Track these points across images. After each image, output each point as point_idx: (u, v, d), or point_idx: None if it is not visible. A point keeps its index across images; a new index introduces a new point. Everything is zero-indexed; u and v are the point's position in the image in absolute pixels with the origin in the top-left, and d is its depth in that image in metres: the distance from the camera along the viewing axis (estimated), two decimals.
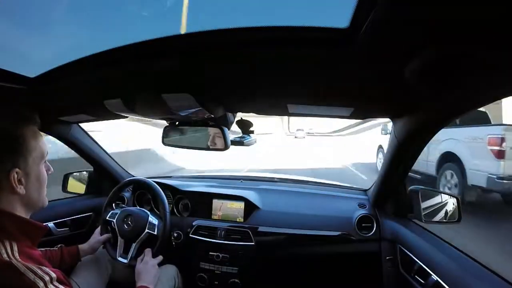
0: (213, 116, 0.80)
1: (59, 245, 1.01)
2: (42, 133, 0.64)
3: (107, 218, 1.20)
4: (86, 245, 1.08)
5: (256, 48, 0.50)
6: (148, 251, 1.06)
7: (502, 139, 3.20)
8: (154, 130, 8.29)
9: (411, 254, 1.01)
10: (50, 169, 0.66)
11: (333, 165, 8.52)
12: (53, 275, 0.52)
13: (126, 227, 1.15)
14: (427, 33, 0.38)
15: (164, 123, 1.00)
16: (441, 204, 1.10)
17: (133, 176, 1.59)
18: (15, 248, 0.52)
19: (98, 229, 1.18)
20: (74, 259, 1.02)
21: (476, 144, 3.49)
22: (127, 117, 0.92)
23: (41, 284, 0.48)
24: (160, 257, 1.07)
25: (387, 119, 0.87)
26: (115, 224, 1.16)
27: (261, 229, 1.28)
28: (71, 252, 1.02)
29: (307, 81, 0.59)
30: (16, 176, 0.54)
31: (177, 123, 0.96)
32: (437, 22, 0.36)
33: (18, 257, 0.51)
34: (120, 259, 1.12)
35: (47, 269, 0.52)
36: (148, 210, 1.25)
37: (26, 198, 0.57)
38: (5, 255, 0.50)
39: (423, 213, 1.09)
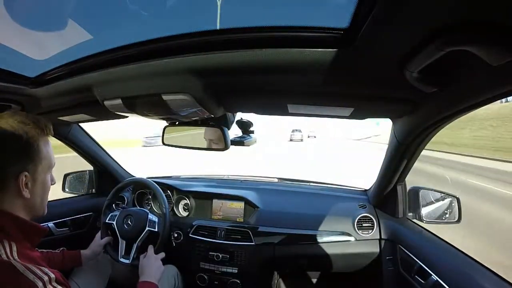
0: (213, 116, 0.80)
1: (61, 248, 1.01)
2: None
3: (106, 220, 1.20)
4: (88, 250, 1.08)
5: (256, 48, 0.50)
6: (150, 247, 1.07)
7: None
8: None
9: (411, 254, 1.01)
10: (54, 180, 0.67)
11: None
12: (52, 275, 0.52)
13: (126, 227, 1.15)
14: (427, 33, 0.38)
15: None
16: (441, 204, 1.10)
17: (133, 176, 1.59)
18: (14, 248, 0.52)
19: (99, 233, 1.18)
20: (75, 264, 1.02)
21: None
22: (127, 117, 0.92)
23: (40, 284, 0.48)
24: (163, 254, 1.07)
25: None
26: (115, 226, 1.16)
27: (261, 229, 1.28)
28: (72, 256, 1.02)
29: (307, 81, 0.59)
30: (24, 179, 0.56)
31: (177, 123, 0.96)
32: (437, 22, 0.36)
33: (17, 257, 0.51)
34: (122, 260, 1.12)
35: (46, 270, 0.52)
36: (148, 210, 1.25)
37: (29, 203, 0.59)
38: (4, 256, 0.50)
39: (423, 213, 1.09)
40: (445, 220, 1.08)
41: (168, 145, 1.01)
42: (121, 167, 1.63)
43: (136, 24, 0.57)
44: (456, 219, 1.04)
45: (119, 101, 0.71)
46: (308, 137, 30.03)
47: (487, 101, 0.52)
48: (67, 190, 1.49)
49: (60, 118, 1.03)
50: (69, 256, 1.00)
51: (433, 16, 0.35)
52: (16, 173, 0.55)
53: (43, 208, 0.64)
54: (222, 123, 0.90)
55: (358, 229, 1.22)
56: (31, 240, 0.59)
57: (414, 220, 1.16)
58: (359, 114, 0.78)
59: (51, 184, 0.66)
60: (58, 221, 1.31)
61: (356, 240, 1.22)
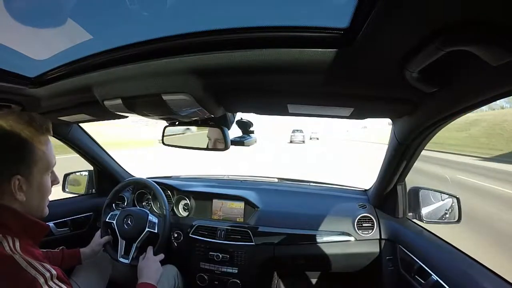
0: (213, 116, 0.80)
1: (60, 247, 1.01)
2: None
3: (106, 220, 1.20)
4: (87, 248, 1.08)
5: (256, 48, 0.50)
6: (149, 249, 1.07)
7: None
8: None
9: (411, 254, 1.01)
10: (57, 180, 0.65)
11: None
12: (54, 272, 0.52)
13: (126, 227, 1.15)
14: (427, 33, 0.38)
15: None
16: (441, 204, 1.10)
17: (133, 176, 1.59)
18: (17, 244, 0.53)
19: (99, 232, 1.18)
20: (75, 262, 1.02)
21: None
22: (127, 117, 0.92)
23: (41, 280, 0.48)
24: (162, 255, 1.07)
25: None
26: (115, 225, 1.16)
27: (261, 229, 1.28)
28: (72, 255, 1.02)
29: (307, 81, 0.59)
30: (17, 183, 0.54)
31: (177, 123, 0.96)
32: (437, 22, 0.36)
33: (20, 251, 0.51)
34: (121, 259, 1.12)
35: (48, 266, 0.52)
36: (148, 210, 1.25)
37: (25, 205, 0.57)
38: (7, 249, 0.50)
39: (423, 213, 1.09)
40: (445, 220, 1.08)
41: (168, 145, 1.01)
42: (121, 167, 1.63)
43: (136, 24, 0.56)
44: (456, 219, 1.04)
45: (119, 101, 0.71)
46: (310, 139, 27.62)
47: (487, 101, 0.52)
48: (67, 190, 1.50)
49: (60, 118, 1.03)
50: (68, 254, 1.00)
51: (433, 16, 0.35)
52: (8, 176, 0.53)
53: (41, 211, 0.62)
54: (222, 123, 0.90)
55: (358, 229, 1.22)
56: (34, 237, 0.59)
57: (414, 220, 1.16)
58: (359, 114, 0.78)
59: (54, 184, 0.64)
60: (58, 221, 1.31)
61: (356, 240, 1.22)
